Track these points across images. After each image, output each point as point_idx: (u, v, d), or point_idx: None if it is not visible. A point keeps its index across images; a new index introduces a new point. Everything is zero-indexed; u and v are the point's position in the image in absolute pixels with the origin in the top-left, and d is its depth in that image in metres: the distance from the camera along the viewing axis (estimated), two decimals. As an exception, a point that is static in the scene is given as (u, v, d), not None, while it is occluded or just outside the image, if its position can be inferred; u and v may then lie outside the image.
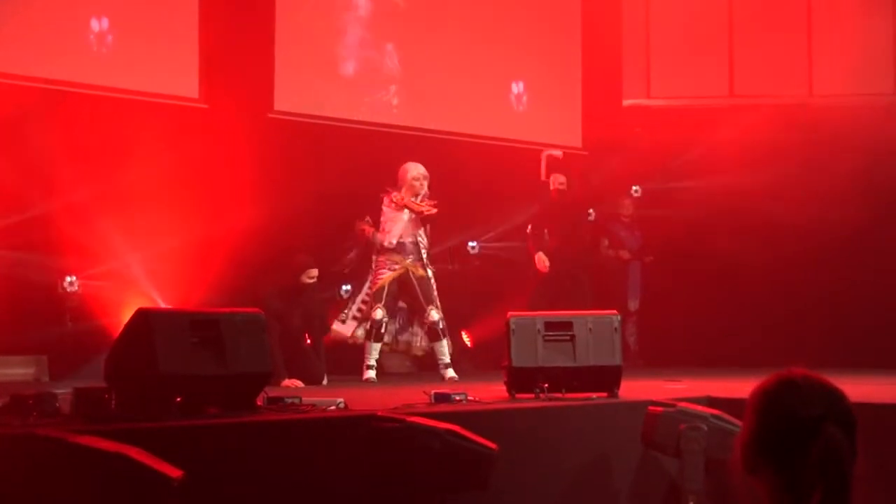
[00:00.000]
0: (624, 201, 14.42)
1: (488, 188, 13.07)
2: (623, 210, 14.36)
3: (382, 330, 10.49)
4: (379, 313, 10.48)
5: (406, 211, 10.59)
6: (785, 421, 2.52)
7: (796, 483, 2.46)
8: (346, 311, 10.71)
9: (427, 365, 11.58)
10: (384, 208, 10.64)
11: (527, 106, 14.01)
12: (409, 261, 10.61)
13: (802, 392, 2.54)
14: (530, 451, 7.19)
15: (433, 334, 10.57)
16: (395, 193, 10.63)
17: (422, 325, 10.65)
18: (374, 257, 10.70)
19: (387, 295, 10.51)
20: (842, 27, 14.30)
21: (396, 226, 10.59)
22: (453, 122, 13.44)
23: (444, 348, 10.53)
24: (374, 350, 10.54)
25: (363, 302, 10.72)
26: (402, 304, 10.76)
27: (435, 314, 10.55)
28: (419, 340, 10.77)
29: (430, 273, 10.64)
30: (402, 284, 10.59)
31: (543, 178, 13.13)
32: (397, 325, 10.75)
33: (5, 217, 10.19)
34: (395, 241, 10.55)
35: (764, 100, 14.35)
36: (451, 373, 10.42)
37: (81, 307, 10.83)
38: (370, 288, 10.67)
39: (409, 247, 10.63)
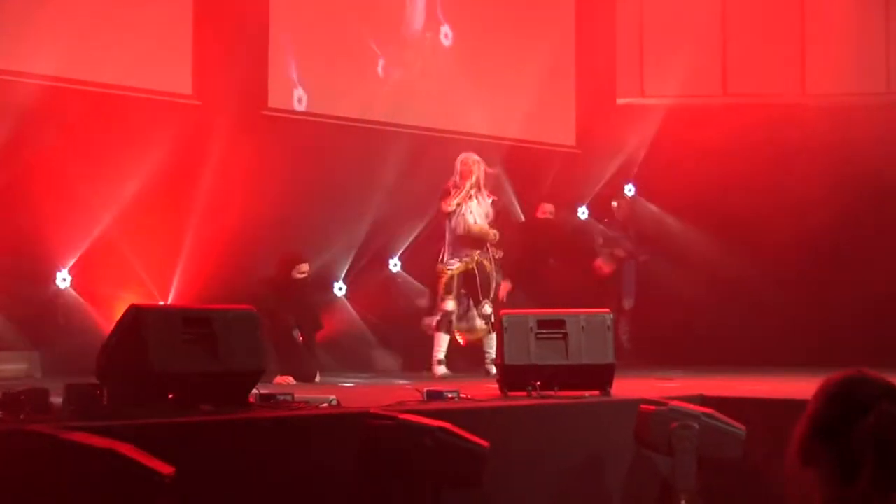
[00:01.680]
0: (618, 200, 14.43)
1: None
2: (617, 209, 14.36)
3: (453, 321, 10.54)
4: (451, 304, 10.52)
5: (475, 200, 10.62)
6: (843, 402, 2.58)
7: (848, 458, 2.49)
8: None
9: (417, 363, 11.57)
10: (452, 201, 10.65)
11: (521, 104, 14.00)
12: (477, 253, 10.65)
13: (863, 379, 2.62)
14: (523, 449, 7.19)
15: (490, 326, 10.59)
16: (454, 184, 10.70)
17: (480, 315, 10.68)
18: (444, 248, 10.70)
19: (456, 286, 10.57)
20: (835, 26, 14.31)
21: (466, 214, 10.64)
22: (447, 119, 13.42)
23: (493, 342, 10.51)
24: (444, 343, 10.57)
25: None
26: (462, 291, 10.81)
27: (488, 308, 10.63)
28: (481, 322, 10.74)
29: (494, 267, 10.70)
30: (467, 275, 10.67)
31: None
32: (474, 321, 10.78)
33: (-1, 213, 10.17)
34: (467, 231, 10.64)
35: (757, 99, 14.35)
36: (494, 369, 10.42)
37: (74, 303, 10.81)
38: (437, 283, 10.70)
39: (480, 236, 10.71)
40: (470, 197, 10.72)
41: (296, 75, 12.41)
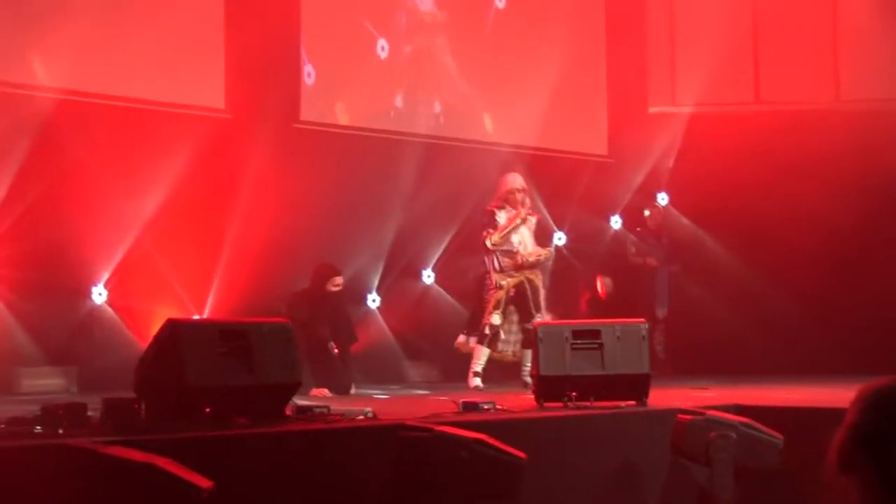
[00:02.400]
0: (650, 209, 14.39)
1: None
2: (649, 217, 14.32)
3: (499, 336, 10.51)
4: (497, 319, 10.50)
5: (525, 228, 10.65)
6: (884, 409, 2.53)
7: (888, 466, 2.46)
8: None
9: (454, 374, 11.57)
10: (497, 220, 10.65)
11: (552, 114, 13.99)
12: (528, 269, 10.64)
13: None
14: (559, 460, 7.18)
15: (529, 342, 10.46)
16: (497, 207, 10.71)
17: (522, 330, 10.61)
18: (493, 265, 10.69)
19: (504, 302, 10.56)
20: (867, 31, 14.22)
21: (520, 236, 10.64)
22: (480, 131, 13.43)
23: (529, 354, 10.44)
24: (485, 357, 10.54)
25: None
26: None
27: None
28: (510, 347, 10.74)
29: (541, 283, 10.70)
30: (518, 292, 10.62)
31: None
32: (512, 335, 10.74)
33: (35, 229, 10.22)
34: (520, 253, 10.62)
35: (790, 105, 14.27)
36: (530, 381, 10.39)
37: (110, 318, 10.86)
38: (487, 296, 10.68)
39: (530, 254, 10.69)
40: (521, 223, 10.69)
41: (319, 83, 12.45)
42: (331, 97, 12.56)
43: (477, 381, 10.45)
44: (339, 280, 10.51)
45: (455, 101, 13.41)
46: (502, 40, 13.80)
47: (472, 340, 10.75)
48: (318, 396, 9.49)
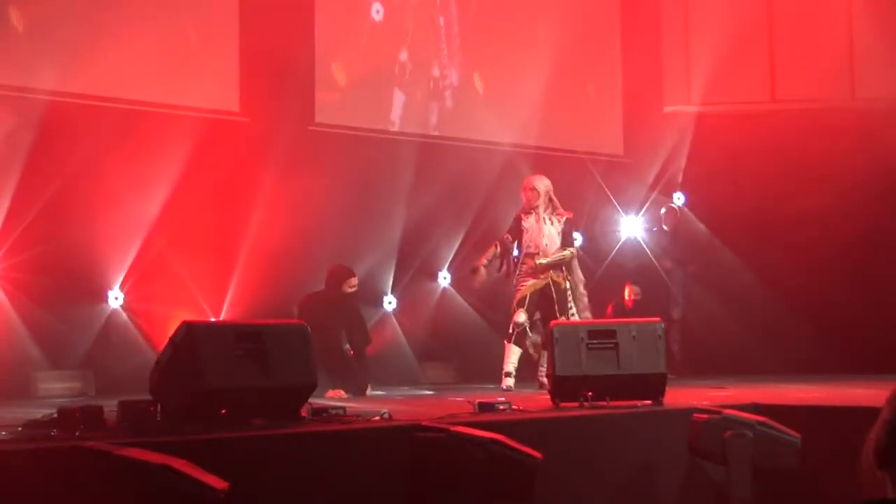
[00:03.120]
0: (666, 209, 14.35)
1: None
2: (665, 217, 14.28)
3: (526, 334, 10.48)
4: (522, 316, 10.47)
5: (548, 221, 10.63)
6: None
7: None
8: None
9: (470, 375, 11.56)
10: (523, 224, 10.65)
11: (567, 114, 13.98)
12: (552, 271, 10.63)
13: None
14: (575, 460, 7.17)
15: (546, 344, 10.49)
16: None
17: (544, 332, 10.60)
18: (518, 267, 10.68)
19: (529, 302, 10.55)
20: (883, 28, 14.17)
21: (535, 236, 10.63)
22: (495, 132, 13.43)
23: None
24: (514, 355, 10.50)
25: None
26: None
27: None
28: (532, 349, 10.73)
29: (568, 285, 10.66)
30: (544, 294, 10.60)
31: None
32: (538, 336, 10.71)
33: (50, 232, 10.26)
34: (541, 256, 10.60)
35: (806, 104, 14.23)
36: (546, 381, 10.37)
37: (126, 321, 10.89)
38: (513, 295, 10.68)
39: (552, 255, 10.66)
40: (542, 220, 10.67)
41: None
42: (344, 100, 12.57)
43: (509, 382, 10.40)
44: (354, 281, 10.51)
45: (470, 104, 13.41)
46: (516, 40, 13.79)
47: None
48: (333, 398, 9.49)
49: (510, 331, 10.49)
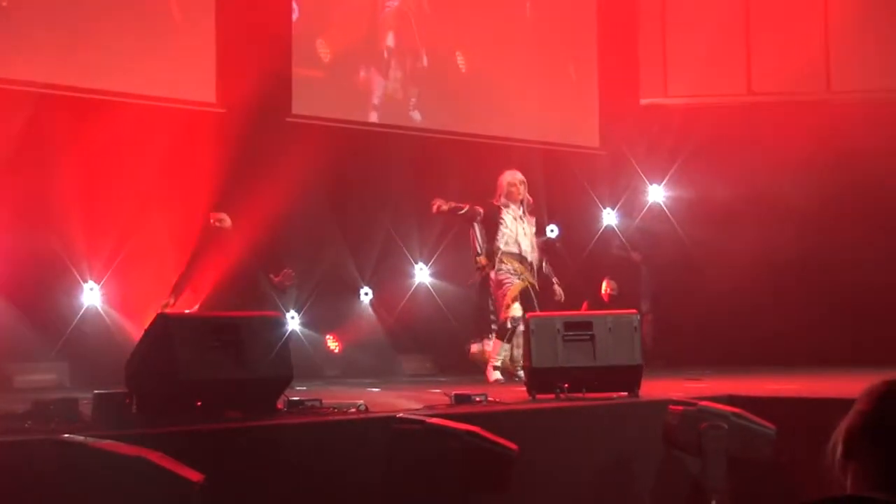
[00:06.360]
0: (639, 202, 14.36)
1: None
2: (638, 211, 14.29)
3: (517, 331, 10.48)
4: (518, 310, 10.45)
5: (525, 223, 10.63)
6: None
7: (893, 459, 2.46)
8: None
9: (446, 367, 11.55)
10: (503, 218, 10.65)
11: (543, 107, 13.98)
12: (528, 274, 10.65)
13: None
14: (551, 452, 7.18)
15: None
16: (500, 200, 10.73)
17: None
18: (495, 267, 10.68)
19: (520, 299, 10.56)
20: (859, 22, 14.22)
21: (519, 237, 10.64)
22: (472, 123, 13.43)
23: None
24: (504, 351, 10.51)
25: (491, 313, 10.76)
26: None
27: None
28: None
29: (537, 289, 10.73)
30: (524, 296, 10.62)
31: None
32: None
33: (25, 224, 10.21)
34: (518, 251, 10.64)
35: (782, 96, 14.27)
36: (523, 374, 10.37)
37: (101, 313, 10.86)
38: (496, 294, 10.67)
39: (531, 260, 10.71)
40: (521, 220, 10.70)
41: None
42: (321, 91, 12.55)
43: (497, 375, 10.40)
44: (220, 215, 10.48)
45: (447, 95, 13.40)
46: (492, 31, 13.78)
47: (488, 344, 10.70)
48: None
49: (506, 326, 10.47)
